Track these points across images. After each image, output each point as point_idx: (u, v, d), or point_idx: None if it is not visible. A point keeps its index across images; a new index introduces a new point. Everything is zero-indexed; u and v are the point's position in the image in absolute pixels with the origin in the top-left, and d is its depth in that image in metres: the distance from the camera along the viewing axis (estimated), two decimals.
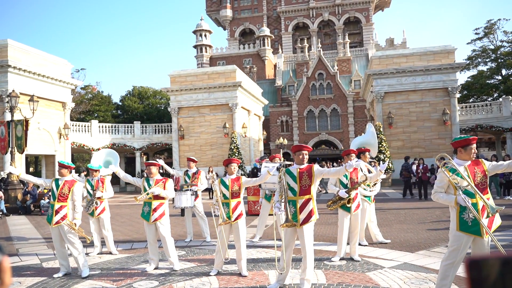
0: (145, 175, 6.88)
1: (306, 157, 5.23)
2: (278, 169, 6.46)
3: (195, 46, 57.72)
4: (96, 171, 8.17)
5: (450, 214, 4.38)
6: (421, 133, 25.98)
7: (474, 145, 4.32)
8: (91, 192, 7.99)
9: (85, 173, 32.43)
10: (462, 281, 5.05)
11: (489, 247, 4.28)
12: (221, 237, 5.94)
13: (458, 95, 27.38)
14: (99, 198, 7.92)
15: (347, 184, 6.70)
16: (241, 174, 23.63)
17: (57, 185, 6.32)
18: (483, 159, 4.43)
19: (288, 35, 61.21)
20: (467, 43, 43.83)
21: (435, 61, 26.09)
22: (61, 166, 6.46)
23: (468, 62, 40.25)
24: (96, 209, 7.88)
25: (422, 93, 26.29)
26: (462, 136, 4.46)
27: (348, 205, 6.52)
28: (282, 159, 11.62)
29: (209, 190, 22.06)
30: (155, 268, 6.41)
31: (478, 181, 4.22)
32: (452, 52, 26.16)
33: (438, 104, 26.00)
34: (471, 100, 40.72)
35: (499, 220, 4.28)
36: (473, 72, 42.16)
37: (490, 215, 4.14)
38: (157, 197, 6.35)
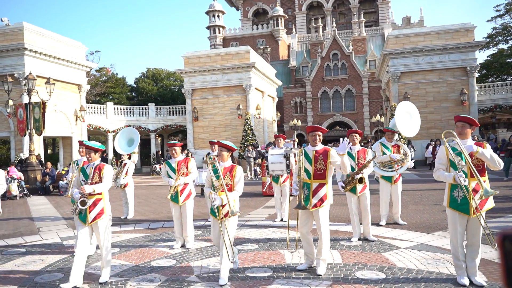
0: (163, 158, 7.02)
1: (319, 138, 5.12)
2: (285, 156, 6.42)
3: (208, 27, 57.27)
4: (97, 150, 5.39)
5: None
6: (438, 113, 25.54)
7: (458, 123, 4.48)
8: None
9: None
10: (488, 264, 5.02)
11: (481, 227, 4.38)
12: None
13: (476, 75, 26.74)
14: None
15: (355, 167, 6.70)
16: (255, 157, 23.71)
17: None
18: (486, 144, 4.50)
19: (302, 14, 60.20)
20: (487, 21, 42.30)
21: (453, 39, 25.42)
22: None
23: (488, 40, 39.07)
24: (89, 213, 4.99)
25: (439, 72, 25.73)
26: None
27: (361, 184, 6.49)
28: (290, 141, 11.55)
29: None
30: (181, 246, 6.61)
31: (474, 162, 4.37)
32: (471, 30, 25.45)
33: (456, 84, 25.45)
34: (490, 79, 39.72)
35: (491, 203, 4.44)
36: (493, 50, 41.01)
37: (483, 198, 4.30)
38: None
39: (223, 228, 4.81)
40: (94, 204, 5.01)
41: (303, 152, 5.17)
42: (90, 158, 5.15)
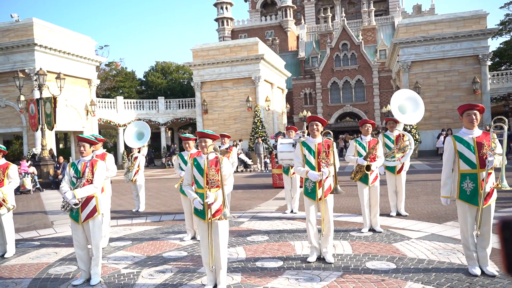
0: (174, 150, 7.04)
1: (317, 128, 5.09)
2: (293, 145, 6.42)
3: (216, 20, 57.09)
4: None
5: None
6: (450, 103, 25.21)
7: (474, 111, 4.32)
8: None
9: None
10: (500, 254, 4.98)
11: (492, 215, 4.38)
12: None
13: (489, 63, 26.30)
14: None
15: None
16: (266, 148, 23.72)
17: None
18: (495, 135, 4.41)
19: (310, 5, 59.66)
20: (500, 7, 41.52)
21: (465, 27, 25.00)
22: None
23: (500, 27, 38.33)
24: (81, 212, 4.98)
25: (451, 61, 25.36)
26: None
27: (368, 172, 6.45)
28: (300, 132, 11.50)
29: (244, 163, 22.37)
30: (192, 238, 6.66)
31: (483, 153, 4.28)
32: (483, 18, 24.98)
33: (467, 72, 25.07)
34: (503, 67, 39.05)
35: (495, 194, 4.40)
36: (506, 38, 40.22)
37: (500, 187, 4.25)
38: None
39: (215, 232, 4.26)
40: (87, 202, 4.73)
41: (303, 145, 5.17)
42: (83, 152, 4.80)
